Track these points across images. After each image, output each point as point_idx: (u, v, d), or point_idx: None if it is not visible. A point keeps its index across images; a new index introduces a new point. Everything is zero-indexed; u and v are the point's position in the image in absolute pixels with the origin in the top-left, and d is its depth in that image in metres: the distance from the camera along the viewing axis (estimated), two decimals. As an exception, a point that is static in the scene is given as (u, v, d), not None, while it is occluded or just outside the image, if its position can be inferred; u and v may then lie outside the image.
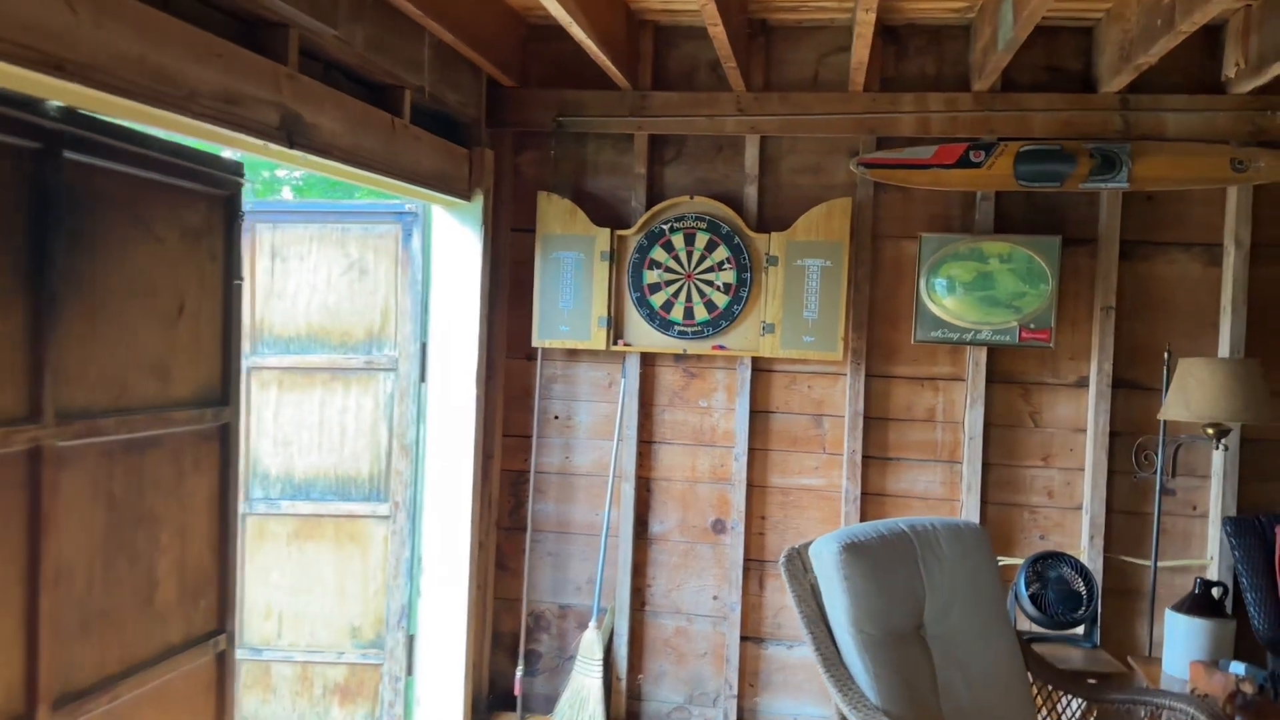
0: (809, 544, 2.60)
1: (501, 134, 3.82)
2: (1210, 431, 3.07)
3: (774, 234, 3.62)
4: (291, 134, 2.33)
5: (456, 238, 3.52)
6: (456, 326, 3.52)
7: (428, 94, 3.06)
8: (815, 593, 2.53)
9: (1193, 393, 3.01)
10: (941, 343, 3.55)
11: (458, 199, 3.43)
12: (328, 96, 2.53)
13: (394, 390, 3.50)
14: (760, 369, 3.74)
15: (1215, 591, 2.98)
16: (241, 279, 2.37)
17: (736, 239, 3.66)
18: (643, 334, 3.73)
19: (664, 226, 3.70)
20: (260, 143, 2.25)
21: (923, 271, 3.53)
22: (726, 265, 3.66)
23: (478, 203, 3.51)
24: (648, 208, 3.73)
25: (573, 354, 3.86)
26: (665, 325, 3.70)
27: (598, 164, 3.85)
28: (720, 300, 3.67)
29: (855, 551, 2.47)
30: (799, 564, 2.56)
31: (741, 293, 3.65)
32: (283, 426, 3.56)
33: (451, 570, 3.48)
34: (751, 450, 3.74)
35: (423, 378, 3.52)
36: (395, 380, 3.50)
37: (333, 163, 2.56)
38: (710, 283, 3.68)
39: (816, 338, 3.58)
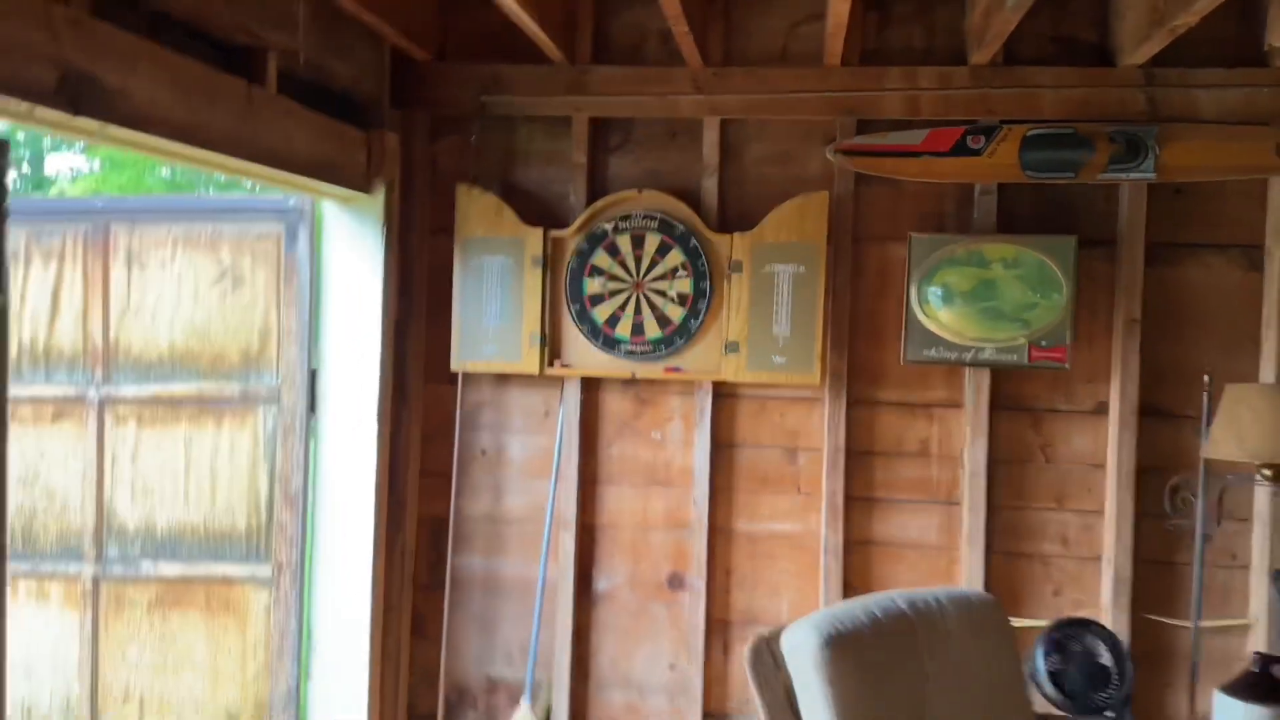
0: (780, 632, 2.01)
1: (414, 117, 3.21)
2: (1268, 474, 2.53)
3: (737, 235, 3.04)
4: (77, 98, 1.71)
5: (353, 239, 2.91)
6: (354, 348, 2.90)
7: (303, 60, 2.45)
8: (790, 699, 1.94)
9: (1247, 427, 2.46)
10: (936, 363, 2.99)
11: (353, 191, 2.81)
12: (142, 52, 1.91)
13: (276, 426, 2.88)
14: (723, 395, 3.15)
15: (1278, 670, 2.42)
16: (5, 295, 1.74)
17: (693, 241, 3.07)
18: (584, 354, 3.13)
19: (607, 227, 3.10)
20: (25, 106, 1.63)
21: (913, 279, 2.97)
22: (682, 272, 3.07)
23: (379, 197, 2.90)
24: (588, 204, 3.14)
25: (502, 379, 3.25)
26: (611, 344, 3.11)
27: (529, 152, 3.25)
28: (675, 314, 3.08)
29: (842, 647, 1.88)
30: (769, 661, 1.97)
31: (700, 305, 3.06)
32: (143, 471, 2.91)
33: (348, 646, 2.86)
34: (714, 490, 3.15)
35: (312, 410, 2.90)
36: (278, 414, 2.87)
37: (154, 138, 1.95)
38: (663, 293, 3.09)
39: (789, 358, 3.00)
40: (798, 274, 2.99)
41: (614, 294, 3.11)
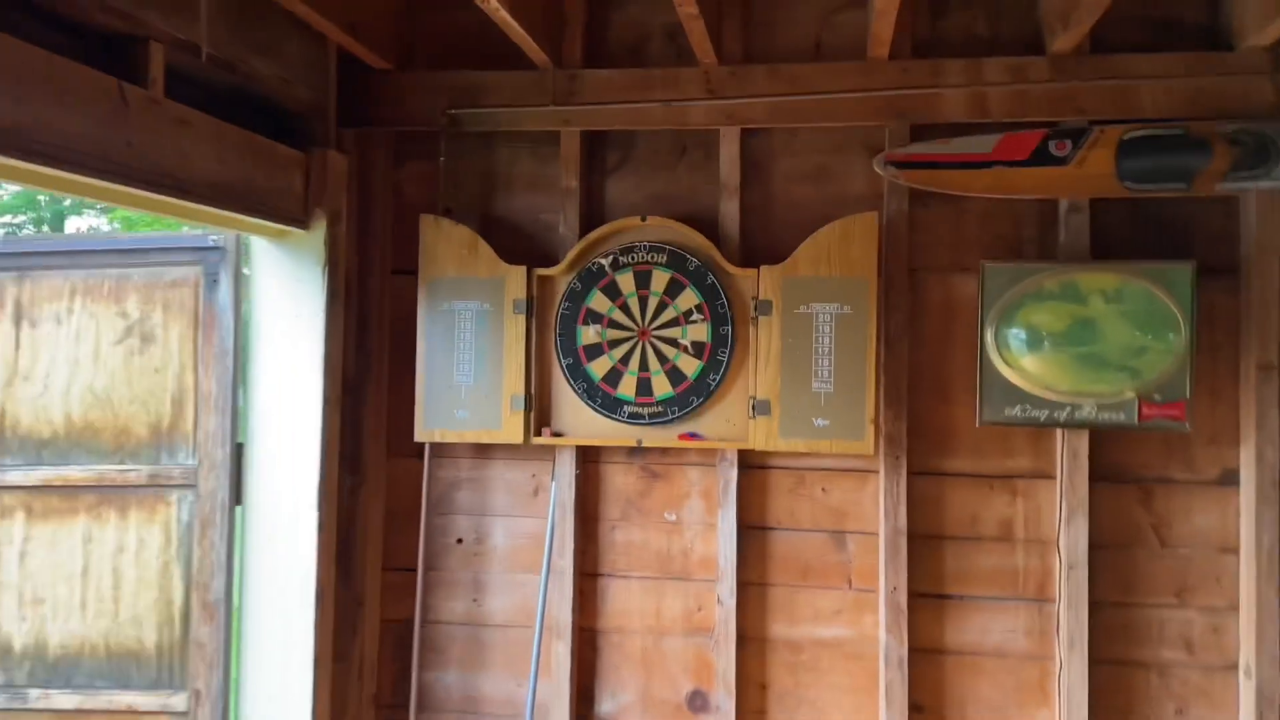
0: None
1: (372, 136, 2.67)
2: None
3: (765, 269, 2.46)
4: None
5: (287, 284, 2.35)
6: (290, 417, 2.33)
7: (205, 56, 1.91)
8: None
9: None
10: (1020, 424, 2.37)
11: (285, 225, 2.26)
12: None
13: (192, 518, 2.30)
14: (751, 466, 2.55)
15: None
16: None
17: (711, 277, 2.49)
18: (579, 418, 2.55)
19: (605, 262, 2.53)
20: None
21: (989, 319, 2.37)
22: (697, 316, 2.49)
23: (319, 231, 2.35)
24: (581, 236, 2.57)
25: (481, 450, 2.67)
26: (611, 405, 2.52)
27: (510, 176, 2.70)
28: (690, 367, 2.49)
29: None
30: None
31: (720, 356, 2.48)
32: (32, 576, 2.34)
33: (280, 800, 2.25)
34: (743, 585, 2.54)
35: (237, 498, 2.32)
36: (194, 502, 2.30)
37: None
38: (674, 342, 2.50)
39: (833, 419, 2.40)
40: (841, 315, 2.40)
41: (614, 344, 2.53)
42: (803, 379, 2.41)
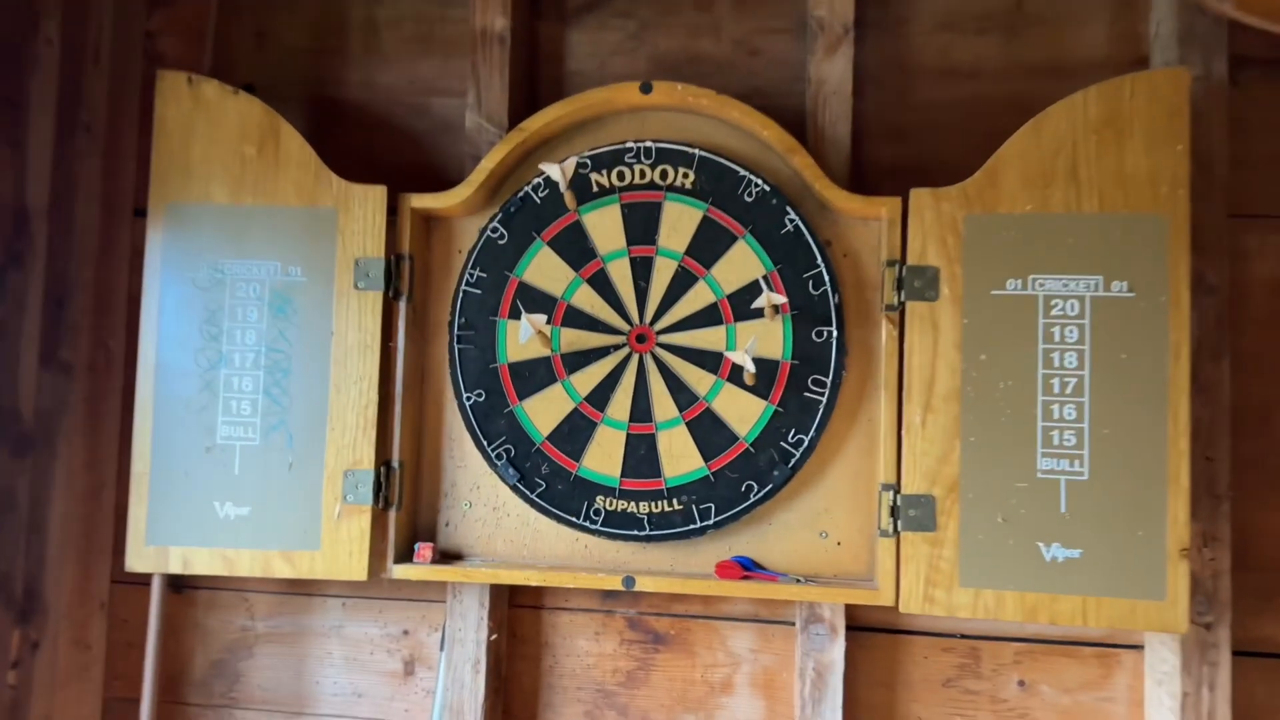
0: None
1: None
2: None
3: (920, 196, 1.08)
4: None
5: None
6: None
7: None
8: None
9: None
10: None
11: None
12: None
13: None
14: (871, 628, 1.17)
15: None
16: None
17: (793, 218, 1.13)
18: (500, 524, 1.17)
19: (559, 182, 1.14)
20: None
21: None
22: (762, 302, 1.10)
23: None
24: (515, 125, 1.19)
25: (285, 589, 1.26)
26: (570, 496, 1.14)
27: (371, 21, 1.33)
28: (744, 414, 1.12)
29: None
30: None
31: (814, 390, 1.11)
32: None
33: None
34: None
35: None
36: None
37: None
38: (707, 358, 1.13)
39: (1088, 549, 1.02)
40: (1105, 302, 1.04)
41: (579, 362, 1.15)
42: (1012, 449, 1.04)
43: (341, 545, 1.13)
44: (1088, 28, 1.21)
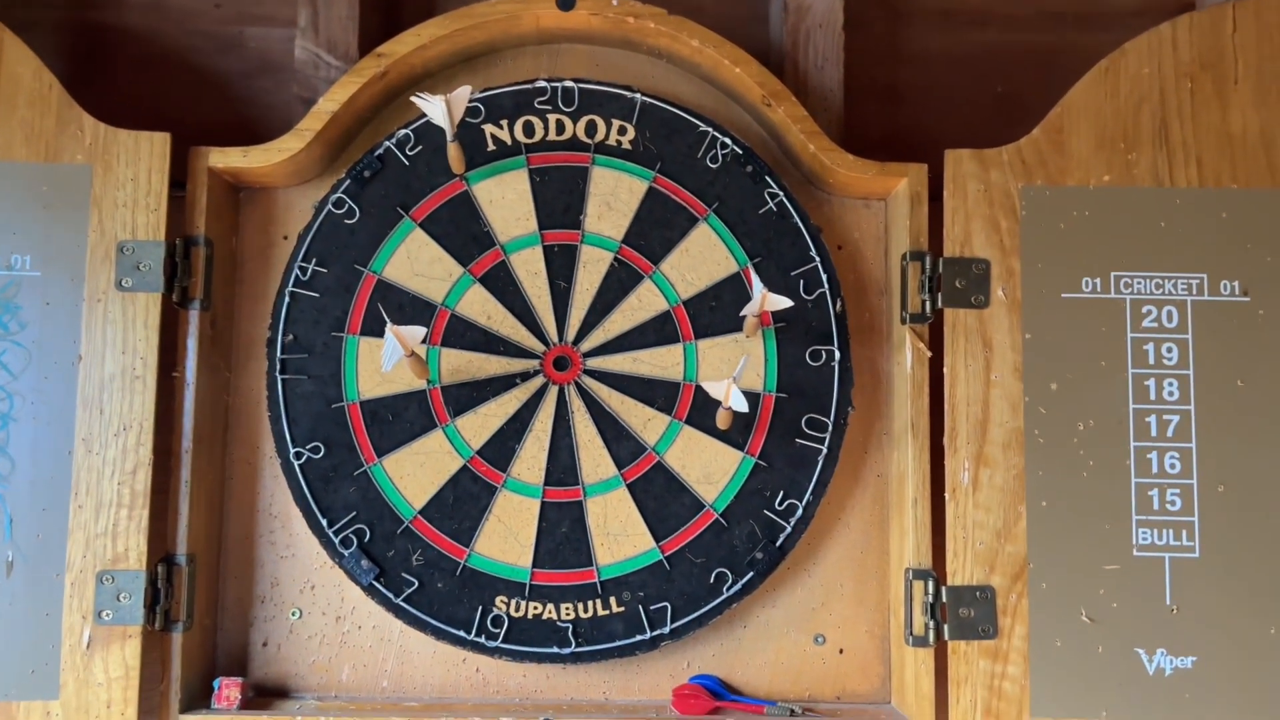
0: None
1: None
2: None
3: (958, 159, 0.77)
4: None
5: None
6: None
7: None
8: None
9: None
10: None
11: None
12: None
13: None
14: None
15: None
16: None
17: (774, 191, 0.80)
18: (349, 642, 0.77)
19: (442, 133, 0.77)
20: None
21: None
22: (732, 306, 0.76)
23: None
24: (366, 55, 0.81)
25: (20, 732, 0.82)
26: (449, 600, 0.75)
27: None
28: (710, 474, 0.77)
29: None
30: None
31: (811, 435, 0.77)
32: None
33: None
34: None
35: None
36: None
37: None
38: (657, 391, 0.78)
39: (1206, 656, 0.72)
40: (1217, 308, 0.75)
41: (471, 399, 0.78)
42: (1098, 517, 0.73)
43: (95, 691, 0.71)
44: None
